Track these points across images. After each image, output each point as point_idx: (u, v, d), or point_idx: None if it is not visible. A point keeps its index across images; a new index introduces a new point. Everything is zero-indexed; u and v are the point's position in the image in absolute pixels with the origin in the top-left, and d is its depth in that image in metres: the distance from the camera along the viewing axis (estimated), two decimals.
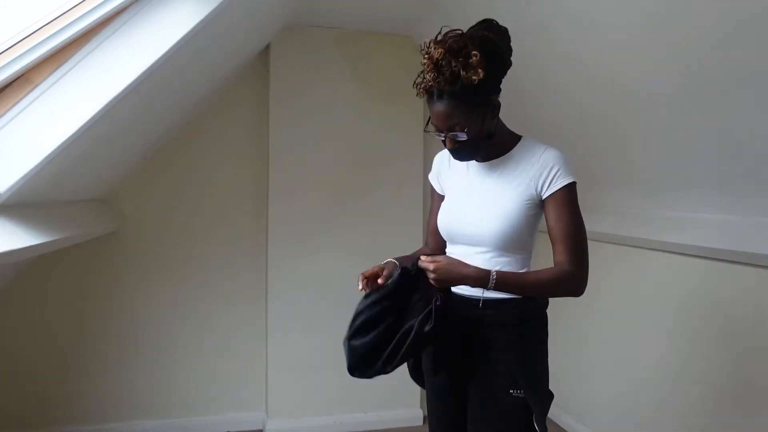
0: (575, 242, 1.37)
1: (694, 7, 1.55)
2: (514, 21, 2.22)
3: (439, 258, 1.34)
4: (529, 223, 1.41)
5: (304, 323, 3.02)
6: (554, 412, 3.13)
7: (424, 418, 3.23)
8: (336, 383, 3.08)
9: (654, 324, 2.41)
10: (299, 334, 3.02)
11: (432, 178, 1.63)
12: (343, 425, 3.07)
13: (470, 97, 1.29)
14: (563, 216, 1.37)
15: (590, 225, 2.66)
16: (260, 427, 3.08)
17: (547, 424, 1.44)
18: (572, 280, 1.37)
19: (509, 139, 1.46)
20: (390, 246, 3.09)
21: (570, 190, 1.38)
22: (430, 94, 1.33)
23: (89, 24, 1.69)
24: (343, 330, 3.36)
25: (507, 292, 1.38)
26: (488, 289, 1.34)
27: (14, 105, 1.64)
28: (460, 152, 1.41)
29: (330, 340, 3.08)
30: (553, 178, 1.38)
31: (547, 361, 1.49)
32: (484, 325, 1.43)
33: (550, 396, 1.46)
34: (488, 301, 1.42)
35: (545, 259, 1.43)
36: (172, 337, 2.98)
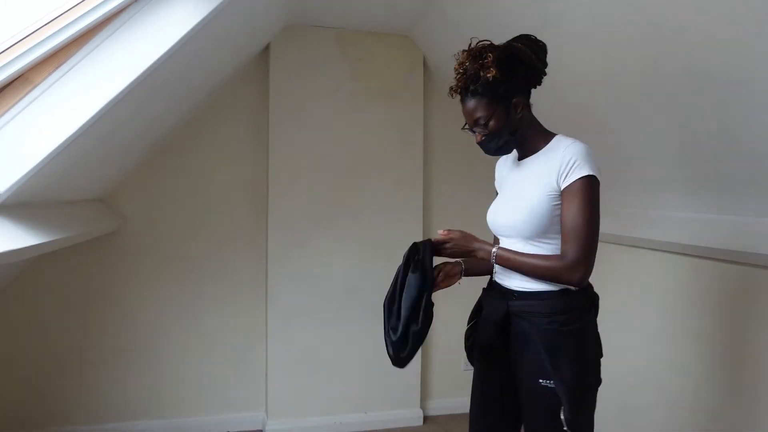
0: (579, 234, 1.44)
1: (693, 7, 1.55)
2: (513, 21, 2.24)
3: (455, 232, 1.55)
4: (553, 213, 1.49)
5: (304, 323, 3.02)
6: None
7: (425, 418, 3.23)
8: (336, 383, 3.08)
9: (654, 324, 2.41)
10: (299, 334, 3.02)
11: (495, 181, 1.79)
12: (343, 425, 3.07)
13: (490, 94, 1.49)
14: (572, 207, 1.45)
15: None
16: (260, 427, 3.08)
17: None
18: (566, 270, 1.44)
19: (542, 138, 1.57)
20: (390, 246, 3.11)
21: (585, 182, 1.45)
22: (460, 94, 1.54)
23: (89, 24, 1.69)
24: (342, 329, 3.33)
25: (509, 269, 1.52)
26: (493, 263, 1.53)
27: (14, 105, 1.64)
28: (487, 146, 1.57)
29: (330, 340, 3.10)
30: (569, 170, 1.46)
31: (590, 354, 1.52)
32: (519, 315, 1.54)
33: (587, 387, 1.50)
34: (522, 293, 1.54)
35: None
36: (172, 337, 2.98)
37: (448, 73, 3.13)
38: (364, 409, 3.13)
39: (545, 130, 1.59)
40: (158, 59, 1.79)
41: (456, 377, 3.34)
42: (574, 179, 1.45)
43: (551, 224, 1.50)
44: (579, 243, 1.43)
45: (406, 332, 1.51)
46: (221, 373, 3.06)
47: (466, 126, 1.58)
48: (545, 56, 1.56)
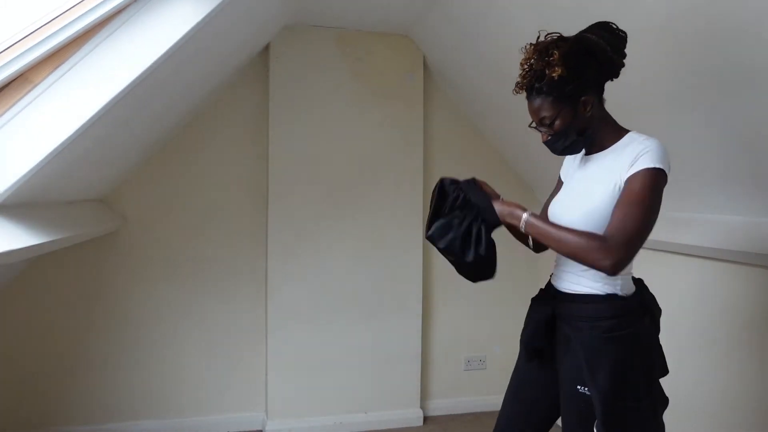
0: (629, 219, 1.32)
1: (695, 6, 1.55)
2: (513, 21, 2.24)
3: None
4: (599, 222, 1.40)
5: (304, 323, 3.02)
6: None
7: (425, 418, 3.23)
8: (336, 383, 3.08)
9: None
10: (299, 334, 3.02)
11: (561, 169, 1.71)
12: (343, 425, 3.07)
13: (555, 92, 1.40)
14: (631, 192, 1.34)
15: None
16: (260, 427, 3.08)
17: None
18: (599, 251, 1.31)
19: (614, 135, 1.48)
20: (390, 245, 3.12)
21: (651, 172, 1.33)
22: (525, 91, 1.46)
23: (89, 24, 1.69)
24: (342, 329, 3.34)
25: (537, 238, 1.43)
26: (523, 230, 1.44)
27: (14, 105, 1.64)
28: (554, 146, 1.49)
29: (330, 340, 3.10)
30: (637, 160, 1.35)
31: (635, 366, 1.39)
32: (563, 318, 1.49)
33: (626, 400, 1.37)
34: (568, 295, 1.48)
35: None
36: (171, 337, 2.98)
37: (448, 73, 3.15)
38: (364, 409, 3.13)
39: (618, 126, 1.49)
40: (158, 59, 1.79)
41: (456, 377, 3.34)
42: (640, 168, 1.34)
43: (605, 226, 1.39)
44: (626, 228, 1.31)
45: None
46: (221, 373, 3.05)
47: (533, 124, 1.50)
48: (624, 46, 1.44)
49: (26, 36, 1.65)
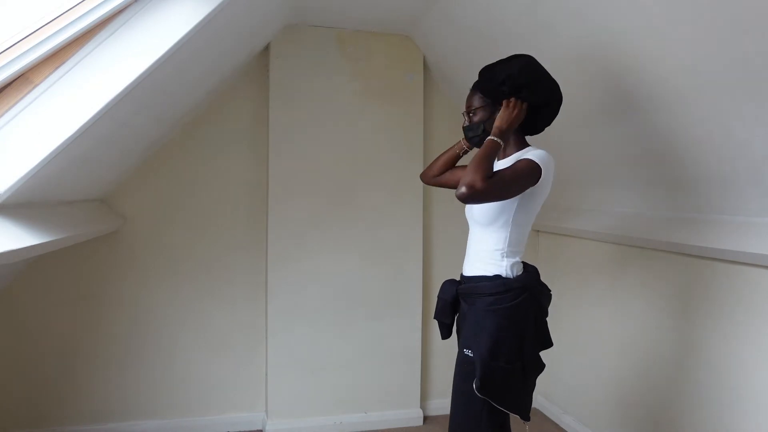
0: (500, 176, 1.66)
1: (694, 7, 1.56)
2: (515, 21, 2.24)
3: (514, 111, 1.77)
4: (496, 209, 1.73)
5: (304, 323, 3.03)
6: (554, 412, 3.14)
7: (425, 418, 3.23)
8: (336, 383, 3.09)
9: (655, 323, 2.41)
10: (299, 334, 3.02)
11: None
12: (343, 425, 3.08)
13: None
14: (512, 166, 1.70)
15: (590, 225, 2.67)
16: (260, 427, 3.08)
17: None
18: (471, 181, 1.60)
19: (518, 146, 1.81)
20: (390, 245, 3.13)
21: (526, 160, 1.69)
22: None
23: (89, 24, 1.69)
24: (342, 329, 3.34)
25: (483, 153, 1.69)
26: (486, 139, 1.74)
27: (14, 105, 1.64)
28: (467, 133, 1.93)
29: (330, 341, 3.10)
30: (523, 156, 1.72)
31: (508, 336, 1.66)
32: (463, 296, 1.81)
33: (497, 362, 1.63)
34: (466, 278, 1.81)
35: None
36: (172, 337, 2.99)
37: (448, 73, 3.16)
38: (364, 409, 3.13)
39: (523, 140, 1.83)
40: (158, 59, 1.80)
41: None
42: (523, 157, 1.71)
43: (500, 213, 1.72)
44: (496, 180, 1.63)
45: None
46: (221, 373, 3.06)
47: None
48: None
49: (27, 36, 1.65)
